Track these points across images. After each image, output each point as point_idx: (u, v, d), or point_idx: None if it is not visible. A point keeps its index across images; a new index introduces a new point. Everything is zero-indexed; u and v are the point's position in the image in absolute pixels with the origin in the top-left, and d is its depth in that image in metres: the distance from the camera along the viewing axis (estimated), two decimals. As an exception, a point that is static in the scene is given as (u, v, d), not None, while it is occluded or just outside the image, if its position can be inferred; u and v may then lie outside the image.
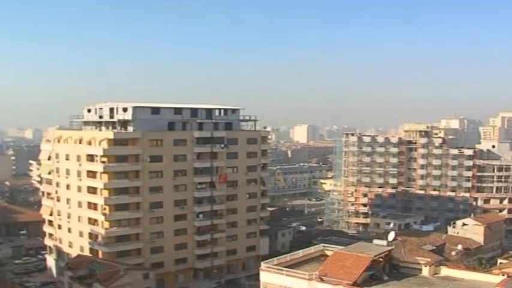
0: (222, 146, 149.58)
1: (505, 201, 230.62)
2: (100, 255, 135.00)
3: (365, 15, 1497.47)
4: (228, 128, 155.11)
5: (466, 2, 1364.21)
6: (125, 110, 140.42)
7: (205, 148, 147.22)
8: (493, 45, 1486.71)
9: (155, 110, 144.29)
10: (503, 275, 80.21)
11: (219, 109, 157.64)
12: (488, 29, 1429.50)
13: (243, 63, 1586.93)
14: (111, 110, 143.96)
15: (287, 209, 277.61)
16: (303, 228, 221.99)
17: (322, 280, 70.30)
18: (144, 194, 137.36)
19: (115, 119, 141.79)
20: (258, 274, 78.57)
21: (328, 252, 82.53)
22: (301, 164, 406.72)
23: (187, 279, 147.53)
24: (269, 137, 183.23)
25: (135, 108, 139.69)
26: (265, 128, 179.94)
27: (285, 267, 75.87)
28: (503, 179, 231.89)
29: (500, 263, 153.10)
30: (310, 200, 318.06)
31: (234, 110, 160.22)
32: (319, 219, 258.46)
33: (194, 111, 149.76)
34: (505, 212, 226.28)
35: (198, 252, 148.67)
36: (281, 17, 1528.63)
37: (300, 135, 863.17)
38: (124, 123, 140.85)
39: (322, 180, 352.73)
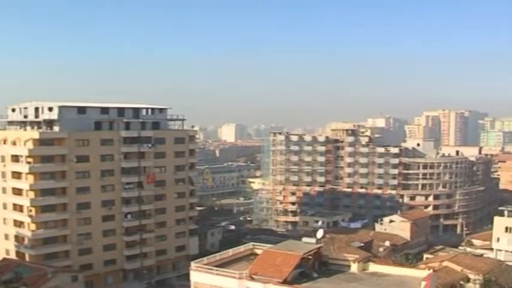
0: (150, 145, 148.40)
1: (430, 198, 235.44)
2: (27, 258, 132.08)
3: (293, 15, 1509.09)
4: (155, 128, 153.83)
5: (391, 2, 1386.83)
6: (50, 109, 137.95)
7: (132, 148, 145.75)
8: (418, 45, 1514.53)
9: (81, 110, 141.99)
10: (429, 270, 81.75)
11: (146, 108, 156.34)
12: (412, 29, 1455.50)
13: (168, 62, 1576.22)
14: (36, 109, 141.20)
15: (216, 208, 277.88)
16: (232, 227, 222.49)
17: (252, 279, 70.55)
18: (71, 195, 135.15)
19: (40, 119, 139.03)
20: (188, 274, 78.41)
21: (258, 251, 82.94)
22: (230, 163, 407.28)
23: (117, 280, 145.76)
24: (197, 136, 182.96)
25: (60, 107, 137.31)
26: (192, 127, 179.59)
27: (215, 266, 76.02)
28: (428, 176, 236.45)
29: (427, 258, 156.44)
30: (239, 199, 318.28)
31: (161, 110, 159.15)
32: (248, 218, 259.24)
33: (121, 111, 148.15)
34: (430, 208, 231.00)
35: (127, 253, 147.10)
36: (202, 16, 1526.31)
37: (227, 134, 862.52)
38: (49, 123, 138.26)
39: (250, 179, 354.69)
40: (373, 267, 80.00)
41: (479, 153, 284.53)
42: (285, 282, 69.44)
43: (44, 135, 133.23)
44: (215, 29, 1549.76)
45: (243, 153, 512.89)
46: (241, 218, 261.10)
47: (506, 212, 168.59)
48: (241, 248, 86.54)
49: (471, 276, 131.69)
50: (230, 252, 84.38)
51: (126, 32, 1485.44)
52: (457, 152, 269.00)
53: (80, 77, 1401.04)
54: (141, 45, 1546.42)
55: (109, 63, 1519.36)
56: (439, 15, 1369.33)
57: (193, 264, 77.70)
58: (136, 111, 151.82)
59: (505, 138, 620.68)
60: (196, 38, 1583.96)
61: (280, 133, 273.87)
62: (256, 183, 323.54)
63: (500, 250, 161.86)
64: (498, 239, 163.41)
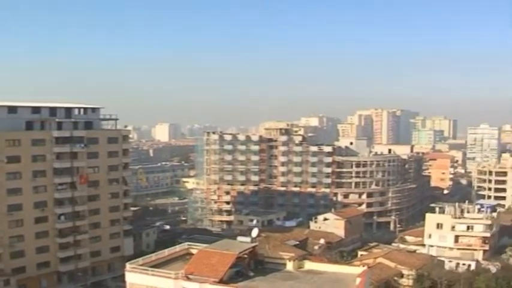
0: (82, 145, 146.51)
1: (364, 196, 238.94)
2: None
3: (220, 14, 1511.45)
4: (88, 127, 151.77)
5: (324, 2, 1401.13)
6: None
7: (64, 148, 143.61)
8: (352, 45, 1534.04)
9: (12, 109, 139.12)
10: (363, 266, 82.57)
11: (79, 108, 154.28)
12: (346, 29, 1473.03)
13: (102, 61, 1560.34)
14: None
15: (150, 209, 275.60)
16: (167, 227, 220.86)
17: (188, 279, 70.17)
18: (2, 197, 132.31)
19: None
20: (123, 275, 77.51)
21: (193, 251, 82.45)
22: (163, 162, 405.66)
23: (51, 283, 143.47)
24: (130, 135, 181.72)
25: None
26: (126, 126, 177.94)
27: (151, 267, 75.29)
28: (361, 175, 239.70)
29: (361, 255, 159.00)
30: (174, 199, 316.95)
31: (94, 109, 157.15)
32: (183, 218, 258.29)
33: (53, 110, 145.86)
34: (363, 206, 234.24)
35: (61, 255, 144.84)
36: (131, 16, 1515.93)
37: (161, 133, 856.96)
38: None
39: (184, 179, 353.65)
40: (308, 265, 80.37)
41: (411, 151, 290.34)
42: (221, 281, 69.27)
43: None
44: (148, 29, 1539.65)
45: (177, 153, 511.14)
46: (178, 218, 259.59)
47: (437, 209, 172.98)
48: (176, 248, 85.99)
49: (404, 271, 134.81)
50: (166, 252, 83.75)
51: (54, 31, 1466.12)
52: (389, 151, 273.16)
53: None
54: (71, 44, 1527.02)
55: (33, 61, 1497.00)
56: (372, 15, 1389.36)
57: (128, 265, 76.91)
58: (69, 110, 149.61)
59: (436, 137, 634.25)
60: (126, 38, 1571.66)
61: (214, 132, 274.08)
62: (190, 183, 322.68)
63: (432, 246, 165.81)
64: (430, 235, 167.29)
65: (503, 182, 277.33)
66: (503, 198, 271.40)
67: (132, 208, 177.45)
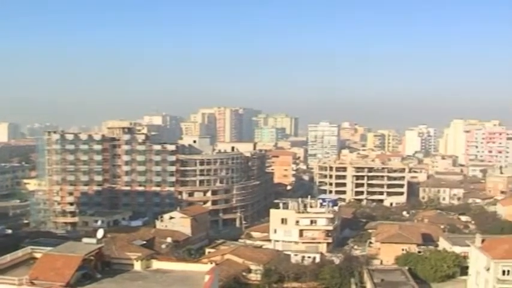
0: None
1: (208, 194, 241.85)
2: None
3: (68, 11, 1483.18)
4: None
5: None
6: None
7: None
8: (193, 44, 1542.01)
9: None
10: (211, 264, 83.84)
11: None
12: (188, 28, 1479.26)
13: None
14: None
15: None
16: (9, 231, 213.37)
17: (33, 284, 68.94)
18: None
19: None
20: (-39, 284, 74.79)
21: (37, 255, 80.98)
22: (2, 164, 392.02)
23: None
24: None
25: None
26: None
27: (-7, 273, 73.20)
28: (205, 173, 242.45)
29: (209, 252, 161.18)
30: (15, 202, 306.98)
31: None
32: (26, 221, 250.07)
33: None
34: (208, 203, 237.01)
35: None
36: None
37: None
38: None
39: (25, 180, 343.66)
40: (156, 264, 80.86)
41: (254, 149, 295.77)
42: (67, 285, 68.48)
43: None
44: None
45: (16, 153, 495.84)
46: (20, 222, 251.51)
47: (281, 205, 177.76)
48: (19, 253, 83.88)
49: (252, 267, 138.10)
50: (8, 257, 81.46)
51: None
52: (233, 148, 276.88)
53: None
54: None
55: None
56: (216, 15, 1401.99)
57: (-33, 274, 74.48)
58: None
59: (278, 134, 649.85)
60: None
61: (55, 132, 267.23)
62: (32, 184, 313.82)
63: (277, 241, 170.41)
64: (275, 231, 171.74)
65: (343, 177, 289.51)
66: (344, 192, 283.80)
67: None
